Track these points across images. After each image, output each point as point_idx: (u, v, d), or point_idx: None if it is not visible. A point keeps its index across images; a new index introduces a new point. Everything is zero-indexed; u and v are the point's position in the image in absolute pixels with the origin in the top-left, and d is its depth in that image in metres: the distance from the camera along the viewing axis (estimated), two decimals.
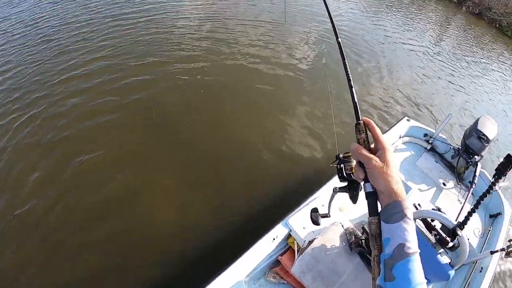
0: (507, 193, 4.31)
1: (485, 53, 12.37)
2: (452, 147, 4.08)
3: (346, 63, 1.16)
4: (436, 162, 4.07)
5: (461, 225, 2.15)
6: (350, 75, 1.11)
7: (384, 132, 3.86)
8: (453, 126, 6.29)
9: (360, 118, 1.03)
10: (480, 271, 2.84)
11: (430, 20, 14.27)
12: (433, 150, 4.21)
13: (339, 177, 1.09)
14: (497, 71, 10.91)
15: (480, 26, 15.70)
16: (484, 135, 3.70)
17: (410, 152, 4.07)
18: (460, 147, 3.97)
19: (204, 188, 4.07)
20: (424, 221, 2.42)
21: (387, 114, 6.23)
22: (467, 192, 3.45)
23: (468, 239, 2.24)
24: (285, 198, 4.01)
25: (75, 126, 4.70)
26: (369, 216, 0.93)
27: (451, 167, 4.05)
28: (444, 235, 2.23)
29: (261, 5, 10.05)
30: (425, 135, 4.20)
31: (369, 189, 0.94)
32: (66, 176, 4.05)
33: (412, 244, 0.86)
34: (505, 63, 11.96)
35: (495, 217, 3.59)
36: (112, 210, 3.76)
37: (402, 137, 4.14)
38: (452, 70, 9.40)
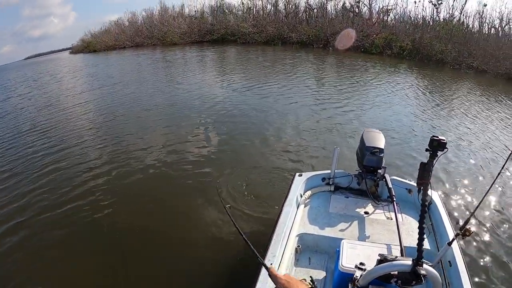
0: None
1: (355, 75, 14.30)
2: (353, 175, 3.93)
3: None
4: (347, 198, 3.85)
5: (418, 260, 1.86)
6: None
7: (285, 197, 3.58)
8: (345, 154, 6.18)
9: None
10: (451, 266, 2.68)
11: (308, 69, 15.94)
12: (338, 188, 3.98)
13: None
14: (369, 87, 12.44)
15: (347, 55, 17.65)
16: (375, 148, 3.64)
17: (319, 204, 3.77)
18: (361, 170, 3.84)
19: None
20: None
21: (284, 176, 5.90)
22: (393, 206, 3.33)
23: (433, 267, 1.95)
24: None
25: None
26: None
27: (362, 194, 3.87)
28: (405, 277, 1.93)
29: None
30: (323, 179, 3.98)
31: None
32: None
33: None
34: (375, 76, 14.18)
35: (428, 208, 3.41)
36: None
37: (303, 194, 3.85)
38: (329, 104, 10.20)
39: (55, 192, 5.79)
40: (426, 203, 1.97)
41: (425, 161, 1.97)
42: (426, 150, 1.91)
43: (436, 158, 1.91)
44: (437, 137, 1.85)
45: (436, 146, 1.86)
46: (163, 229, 4.71)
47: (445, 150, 1.87)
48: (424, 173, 1.97)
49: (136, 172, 6.36)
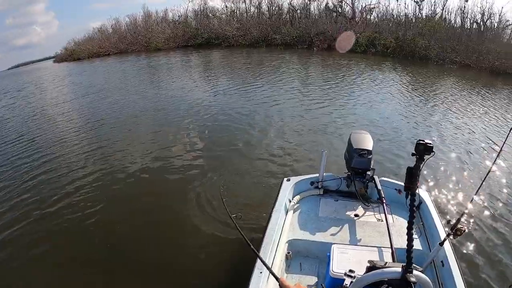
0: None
1: (339, 75, 14.18)
2: (342, 178, 3.89)
3: None
4: (337, 201, 3.81)
5: (408, 267, 1.80)
6: None
7: (273, 203, 3.54)
8: (333, 157, 5.70)
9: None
10: (443, 266, 2.67)
11: (292, 70, 15.80)
12: (327, 192, 3.94)
13: None
14: (353, 85, 12.42)
15: (332, 55, 17.74)
16: (363, 150, 3.61)
17: (308, 208, 3.73)
18: (350, 173, 3.80)
19: None
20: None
21: (271, 181, 5.73)
22: (383, 207, 3.29)
23: (423, 273, 1.88)
24: None
25: None
26: None
27: (352, 196, 3.82)
28: (395, 283, 1.87)
29: None
30: (312, 183, 3.94)
31: None
32: None
33: None
34: (361, 74, 14.27)
35: (418, 208, 3.44)
36: None
37: (292, 199, 3.82)
38: (314, 105, 10.01)
39: (42, 201, 5.72)
40: (414, 208, 1.91)
41: (412, 165, 1.89)
42: (413, 154, 1.84)
43: (423, 162, 1.85)
44: (423, 141, 1.78)
45: (423, 150, 1.79)
46: (152, 233, 4.70)
47: (432, 154, 1.80)
48: (411, 178, 1.90)
49: (124, 178, 6.30)
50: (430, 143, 1.76)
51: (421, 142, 1.77)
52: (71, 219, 5.13)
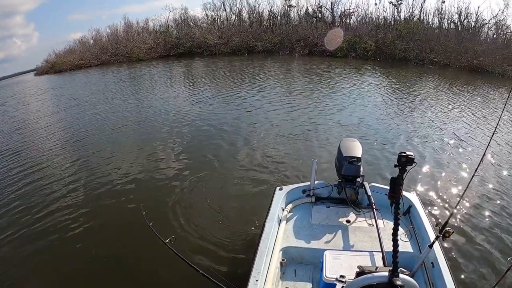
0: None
1: (321, 81, 14.23)
2: (333, 185, 4.00)
3: None
4: (328, 207, 3.90)
5: (394, 271, 1.90)
6: None
7: (266, 212, 3.58)
8: (324, 165, 5.84)
9: None
10: (433, 267, 2.76)
11: (275, 77, 15.71)
12: (319, 199, 4.04)
13: None
14: (336, 91, 12.34)
15: (313, 60, 17.83)
16: (352, 157, 3.71)
17: (301, 216, 3.82)
18: (340, 180, 3.90)
19: None
20: None
21: (261, 190, 5.69)
22: (373, 213, 3.39)
23: (412, 277, 2.07)
24: None
25: None
26: None
27: (343, 202, 3.91)
28: (382, 287, 1.99)
29: None
30: (304, 191, 4.04)
31: None
32: None
33: None
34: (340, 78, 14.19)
35: (408, 212, 3.56)
36: None
37: (285, 207, 3.89)
38: (299, 112, 9.89)
39: (27, 214, 5.65)
40: (399, 216, 2.04)
41: (395, 174, 2.03)
42: (395, 166, 1.97)
43: (406, 173, 1.98)
44: (405, 153, 1.92)
45: (405, 162, 1.93)
46: (138, 246, 4.52)
47: (414, 164, 1.94)
48: (395, 187, 2.04)
49: (109, 189, 6.22)
50: (412, 155, 1.89)
51: (403, 154, 1.91)
52: (57, 232, 5.04)
